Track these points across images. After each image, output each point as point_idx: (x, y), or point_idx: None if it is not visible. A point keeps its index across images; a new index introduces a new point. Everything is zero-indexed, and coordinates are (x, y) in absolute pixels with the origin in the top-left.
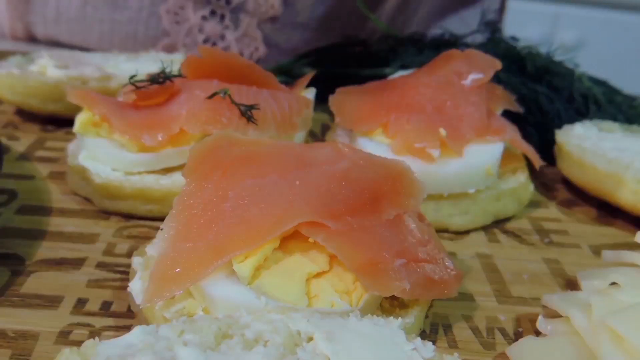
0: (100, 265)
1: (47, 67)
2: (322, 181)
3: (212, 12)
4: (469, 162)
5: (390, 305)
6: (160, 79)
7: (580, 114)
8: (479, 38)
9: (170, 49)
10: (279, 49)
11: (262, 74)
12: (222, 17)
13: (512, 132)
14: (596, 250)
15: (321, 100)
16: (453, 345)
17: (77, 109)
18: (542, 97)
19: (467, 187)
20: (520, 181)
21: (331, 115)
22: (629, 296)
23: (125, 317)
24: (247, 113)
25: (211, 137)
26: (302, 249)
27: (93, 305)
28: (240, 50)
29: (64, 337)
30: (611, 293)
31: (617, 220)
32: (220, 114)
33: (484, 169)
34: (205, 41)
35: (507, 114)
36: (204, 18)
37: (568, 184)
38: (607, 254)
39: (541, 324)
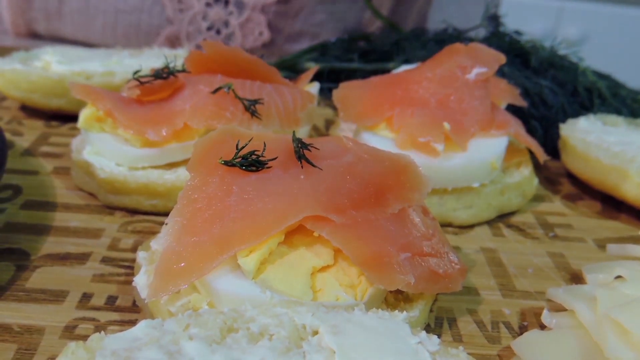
0: (105, 260)
1: (50, 62)
2: (327, 175)
3: None
4: (473, 156)
5: (395, 299)
6: (164, 74)
7: (584, 107)
8: (483, 32)
9: (174, 38)
10: (283, 34)
11: (266, 69)
12: (226, 3)
13: (516, 126)
14: (601, 244)
15: (325, 95)
16: (458, 339)
17: (81, 105)
18: (546, 91)
19: (471, 181)
20: (524, 175)
21: (335, 109)
22: (634, 289)
23: (130, 311)
24: (251, 108)
25: (215, 132)
26: (307, 243)
27: (98, 300)
28: (244, 36)
29: (70, 332)
30: (616, 286)
31: (621, 214)
32: (224, 108)
33: (488, 163)
34: (209, 28)
35: (511, 108)
36: (207, 5)
37: (572, 177)
38: (612, 248)
39: (546, 317)
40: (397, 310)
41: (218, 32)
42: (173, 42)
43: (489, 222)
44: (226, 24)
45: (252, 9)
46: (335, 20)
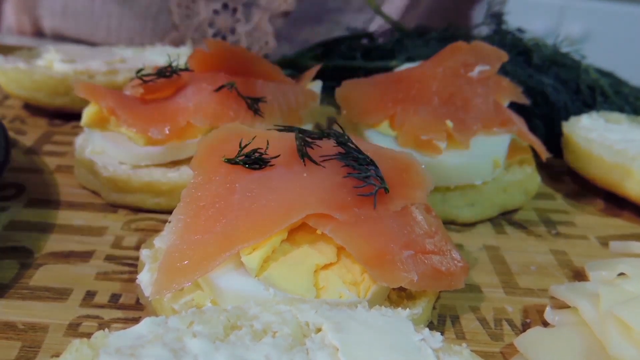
0: (108, 258)
1: (53, 61)
2: (330, 173)
3: (225, 6)
4: (476, 153)
5: (398, 297)
6: (167, 72)
7: (586, 105)
8: (485, 30)
9: (178, 43)
10: (288, 43)
11: (269, 67)
12: (234, 10)
13: (518, 124)
14: (603, 242)
15: (327, 93)
16: (461, 336)
17: (84, 103)
18: (549, 88)
19: (473, 178)
20: (527, 173)
21: (337, 108)
22: (637, 286)
23: (134, 309)
24: (254, 106)
25: (219, 130)
26: (310, 241)
27: (102, 298)
28: (249, 45)
29: (74, 329)
30: (619, 283)
31: (624, 211)
32: (227, 107)
33: (491, 161)
34: (215, 35)
35: (513, 106)
36: (215, 12)
37: (575, 175)
38: (615, 245)
39: (549, 314)
40: (400, 308)
41: (224, 38)
42: (177, 45)
43: (492, 220)
44: (232, 31)
45: (260, 18)
46: (341, 30)
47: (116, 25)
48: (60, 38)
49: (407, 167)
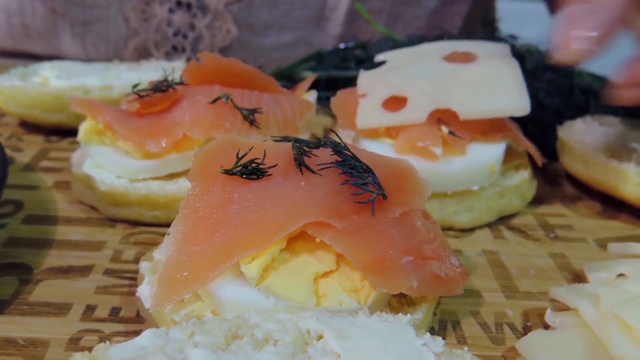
0: (107, 272)
1: (49, 78)
2: (327, 181)
3: (178, 3)
4: (472, 159)
5: (399, 303)
6: (163, 87)
7: (581, 109)
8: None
9: (142, 48)
10: (250, 29)
11: (264, 78)
12: (189, 6)
13: (513, 129)
14: (602, 244)
15: (323, 104)
16: (462, 341)
17: (80, 119)
18: (542, 93)
19: (471, 184)
20: (523, 177)
21: (333, 118)
22: (637, 286)
23: (134, 322)
24: (250, 117)
25: (215, 141)
26: (309, 249)
27: (102, 312)
28: (212, 36)
29: (74, 344)
30: (619, 284)
31: (621, 213)
32: (223, 118)
33: (488, 166)
34: (176, 34)
35: None
36: (171, 10)
37: (571, 179)
38: (614, 247)
39: (549, 317)
40: (400, 314)
41: (185, 36)
42: (141, 51)
43: (490, 225)
44: (192, 27)
45: (216, 7)
46: (299, 8)
47: (80, 32)
48: (27, 57)
49: (405, 173)
